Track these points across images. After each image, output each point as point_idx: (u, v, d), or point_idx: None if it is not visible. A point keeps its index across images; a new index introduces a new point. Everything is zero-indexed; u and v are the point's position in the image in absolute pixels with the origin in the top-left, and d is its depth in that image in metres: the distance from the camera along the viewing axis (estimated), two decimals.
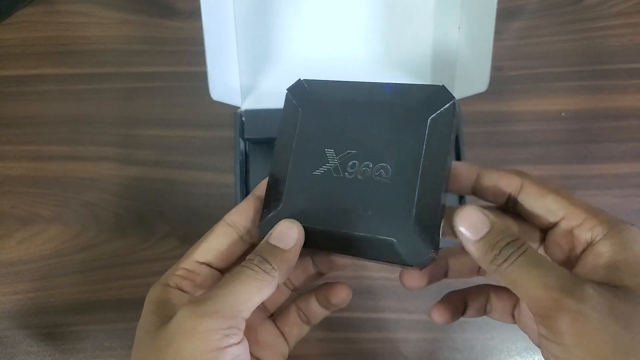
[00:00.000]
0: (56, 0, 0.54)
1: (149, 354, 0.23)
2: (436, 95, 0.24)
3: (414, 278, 0.27)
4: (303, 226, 0.25)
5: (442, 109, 0.24)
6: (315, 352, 0.46)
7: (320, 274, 0.29)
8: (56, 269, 0.48)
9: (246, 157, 0.45)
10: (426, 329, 0.47)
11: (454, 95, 0.24)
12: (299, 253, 0.25)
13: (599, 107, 0.51)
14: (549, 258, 0.23)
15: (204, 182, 0.49)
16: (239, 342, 0.22)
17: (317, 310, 0.29)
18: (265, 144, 0.45)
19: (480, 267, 0.29)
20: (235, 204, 0.42)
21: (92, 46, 0.53)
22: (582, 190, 0.48)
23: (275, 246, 0.24)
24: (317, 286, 0.29)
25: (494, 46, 0.38)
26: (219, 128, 0.50)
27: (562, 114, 0.51)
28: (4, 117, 0.51)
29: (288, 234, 0.24)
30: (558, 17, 0.53)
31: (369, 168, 0.25)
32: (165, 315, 0.23)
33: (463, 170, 0.26)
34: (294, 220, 0.25)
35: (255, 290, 0.23)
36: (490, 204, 0.27)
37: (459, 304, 0.30)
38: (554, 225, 0.24)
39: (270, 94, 0.44)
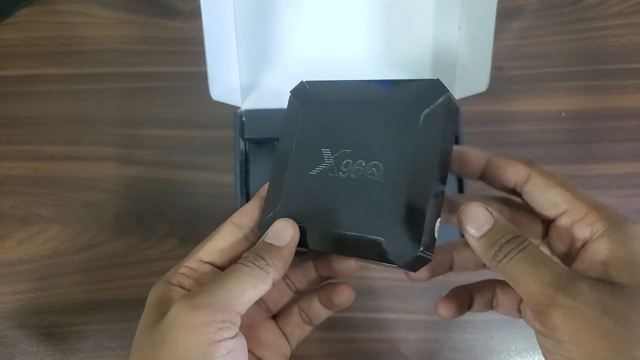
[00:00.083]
0: (56, 0, 0.54)
1: (146, 350, 0.23)
2: (430, 89, 0.24)
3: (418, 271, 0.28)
4: (300, 226, 0.25)
5: (435, 104, 0.23)
6: (316, 352, 0.46)
7: (322, 278, 0.29)
8: (56, 269, 0.48)
9: (246, 157, 0.45)
10: (426, 329, 0.47)
11: (449, 89, 0.24)
12: (294, 250, 0.25)
13: (599, 107, 0.51)
14: (548, 254, 0.23)
15: (204, 182, 0.49)
16: (233, 337, 0.22)
17: (319, 311, 0.29)
18: (265, 144, 0.45)
19: None
20: (236, 204, 0.42)
21: (92, 46, 0.53)
22: None
23: (270, 244, 0.25)
24: (319, 286, 0.29)
25: (494, 46, 0.38)
26: (219, 128, 0.50)
27: (562, 114, 0.51)
28: (4, 117, 0.51)
29: (282, 232, 0.25)
30: (558, 17, 0.53)
31: (362, 167, 0.25)
32: (164, 311, 0.23)
33: (473, 155, 0.26)
34: (289, 219, 0.25)
35: (249, 285, 0.23)
36: (496, 194, 0.28)
37: (465, 298, 0.30)
38: (556, 218, 0.24)
39: (270, 94, 0.44)
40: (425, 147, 0.23)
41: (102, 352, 0.46)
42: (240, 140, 0.43)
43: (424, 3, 0.44)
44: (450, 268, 0.30)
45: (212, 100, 0.40)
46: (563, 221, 0.24)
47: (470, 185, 0.45)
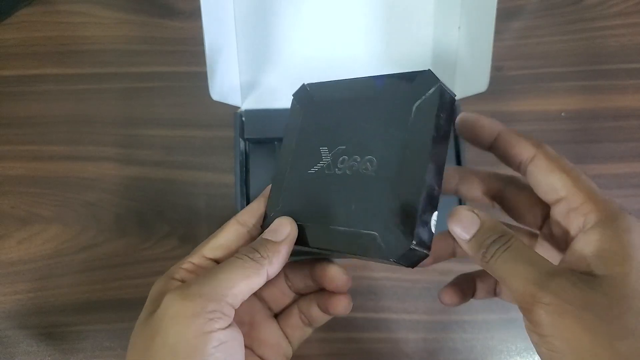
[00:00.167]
0: (56, 0, 0.54)
1: (140, 343, 0.23)
2: (421, 80, 0.24)
3: None
4: (299, 224, 0.26)
5: (426, 95, 0.23)
6: (316, 352, 0.46)
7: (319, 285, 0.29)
8: (56, 269, 0.48)
9: (246, 157, 0.45)
10: (426, 329, 0.47)
11: (440, 79, 0.23)
12: (290, 246, 0.25)
13: (599, 107, 0.51)
14: (533, 250, 0.23)
15: (204, 182, 0.49)
16: (225, 328, 0.22)
17: (318, 314, 0.29)
18: (265, 144, 0.45)
19: None
20: (236, 204, 0.42)
21: (92, 46, 0.53)
22: None
23: (267, 239, 0.25)
24: (318, 290, 0.29)
25: (494, 46, 0.38)
26: (219, 128, 0.50)
27: (562, 114, 0.51)
28: (4, 117, 0.51)
29: (280, 229, 0.25)
30: (558, 17, 0.53)
31: (357, 162, 0.25)
32: (159, 304, 0.23)
33: (486, 124, 0.26)
34: (287, 217, 0.26)
35: (242, 277, 0.23)
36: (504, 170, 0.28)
37: (468, 286, 0.30)
38: (555, 203, 0.24)
39: (270, 94, 0.44)
40: (416, 139, 0.23)
41: (102, 352, 0.46)
42: (240, 140, 0.43)
43: (424, 3, 0.44)
44: (453, 254, 0.30)
45: (212, 100, 0.40)
46: (560, 208, 0.24)
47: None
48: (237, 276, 0.23)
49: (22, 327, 0.47)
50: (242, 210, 0.27)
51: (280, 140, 0.45)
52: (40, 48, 0.53)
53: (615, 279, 0.20)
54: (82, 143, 0.50)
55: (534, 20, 0.53)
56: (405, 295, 0.47)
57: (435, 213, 0.23)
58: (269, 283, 0.29)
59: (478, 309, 0.47)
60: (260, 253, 0.24)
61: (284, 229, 0.25)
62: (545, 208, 0.26)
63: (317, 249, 0.26)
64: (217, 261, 0.26)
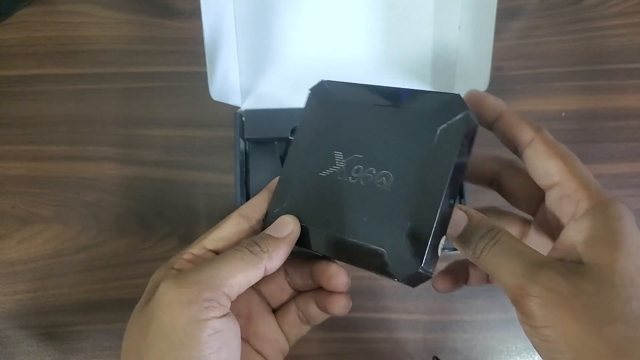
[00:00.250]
0: (56, 0, 0.54)
1: (136, 331, 0.23)
2: (450, 104, 0.24)
3: (440, 282, 0.29)
4: (303, 225, 0.26)
5: (453, 120, 0.23)
6: (316, 352, 0.46)
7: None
8: (56, 269, 0.48)
9: (246, 157, 0.45)
10: (427, 329, 0.47)
11: (468, 107, 0.23)
12: (291, 244, 0.25)
13: (599, 107, 0.51)
14: (521, 242, 0.23)
15: (204, 182, 0.49)
16: (220, 317, 0.22)
17: (316, 312, 0.29)
18: (265, 144, 0.45)
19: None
20: (235, 203, 0.42)
21: (92, 46, 0.53)
22: None
23: (269, 235, 0.25)
24: (317, 288, 0.29)
25: (494, 46, 0.38)
26: (219, 128, 0.50)
27: (562, 114, 0.51)
28: (4, 117, 0.51)
29: (284, 227, 0.25)
30: (558, 17, 0.53)
31: (372, 174, 0.24)
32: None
33: (491, 104, 0.26)
34: (293, 216, 0.26)
35: (239, 268, 0.23)
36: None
37: (461, 272, 0.30)
38: (549, 189, 0.24)
39: (270, 94, 0.44)
40: (438, 163, 0.23)
41: (102, 352, 0.46)
42: (240, 140, 0.43)
43: (424, 3, 0.44)
44: (466, 281, 0.30)
45: (212, 100, 0.40)
46: (554, 193, 0.24)
47: None
48: (235, 267, 0.23)
49: (22, 327, 0.47)
50: (245, 204, 0.27)
51: (280, 140, 0.45)
52: (40, 48, 0.53)
53: (604, 266, 0.20)
54: (82, 143, 0.50)
55: (534, 20, 0.53)
56: (405, 295, 0.47)
57: (444, 237, 0.23)
58: (268, 278, 0.29)
59: (478, 309, 0.47)
60: (260, 247, 0.24)
61: (288, 227, 0.25)
62: (539, 193, 0.26)
63: (320, 254, 0.26)
64: (217, 253, 0.26)
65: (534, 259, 0.21)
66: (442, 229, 0.23)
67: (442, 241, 0.23)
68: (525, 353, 0.46)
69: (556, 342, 0.20)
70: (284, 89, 0.45)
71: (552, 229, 0.26)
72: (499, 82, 0.50)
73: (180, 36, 0.53)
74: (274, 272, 0.29)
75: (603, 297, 0.20)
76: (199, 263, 0.25)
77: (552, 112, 0.51)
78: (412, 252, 0.22)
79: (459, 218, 0.23)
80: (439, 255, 0.23)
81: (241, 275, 0.23)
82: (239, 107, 0.44)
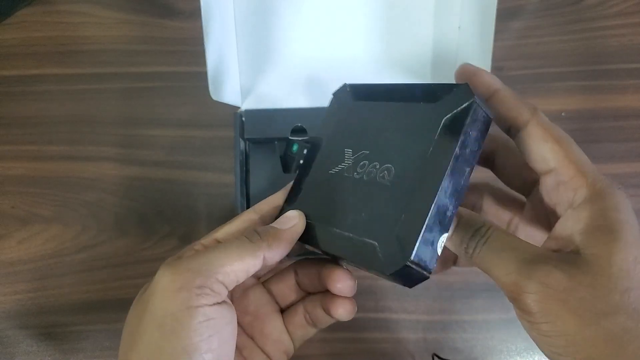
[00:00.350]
0: (56, 1, 0.54)
1: (133, 319, 0.23)
2: (456, 93, 0.23)
3: None
4: (309, 222, 0.26)
5: (458, 109, 0.22)
6: (316, 352, 0.46)
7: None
8: (56, 269, 0.48)
9: (246, 157, 0.45)
10: (427, 329, 0.47)
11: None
12: (293, 237, 0.25)
13: (599, 107, 0.51)
14: (514, 236, 0.22)
15: (204, 182, 0.49)
16: (213, 304, 0.22)
17: (322, 316, 0.28)
18: (266, 144, 0.45)
19: None
20: (236, 203, 0.42)
21: (92, 46, 0.53)
22: None
23: (271, 226, 0.25)
24: (325, 290, 0.29)
25: (494, 46, 0.38)
26: (219, 128, 0.50)
27: (562, 114, 0.51)
28: (4, 117, 0.51)
29: (287, 220, 0.26)
30: (558, 17, 0.53)
31: (375, 169, 0.24)
32: None
33: (485, 80, 0.24)
34: (299, 211, 0.26)
35: (236, 256, 0.23)
36: None
37: (449, 253, 0.29)
38: (545, 174, 0.24)
39: (270, 94, 0.44)
40: (438, 154, 0.22)
41: (102, 352, 0.46)
42: (240, 140, 0.43)
43: (424, 3, 0.44)
44: (454, 262, 0.30)
45: (212, 100, 0.40)
46: (550, 179, 0.23)
47: None
48: (231, 254, 0.23)
49: (22, 327, 0.47)
50: (261, 201, 0.28)
51: (280, 140, 0.45)
52: (40, 48, 0.53)
53: (602, 257, 0.20)
54: (82, 143, 0.50)
55: (534, 20, 0.53)
56: (405, 295, 0.47)
57: (445, 235, 0.22)
58: (277, 278, 0.29)
59: (478, 308, 0.47)
60: (259, 235, 0.24)
61: (291, 220, 0.26)
62: (534, 175, 0.25)
63: (321, 250, 0.26)
64: None
65: (527, 253, 0.21)
66: (442, 225, 0.21)
67: (443, 238, 0.22)
68: (525, 353, 0.46)
69: (555, 336, 0.20)
70: (284, 89, 0.45)
71: (547, 214, 0.25)
72: None
73: (180, 36, 0.53)
74: (283, 272, 0.29)
75: (600, 289, 0.19)
76: (198, 251, 0.24)
77: (552, 112, 0.51)
78: (403, 244, 0.21)
79: None
80: (439, 253, 0.22)
81: (237, 263, 0.23)
82: (239, 107, 0.44)
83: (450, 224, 0.22)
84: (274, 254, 0.24)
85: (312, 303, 0.29)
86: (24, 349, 0.46)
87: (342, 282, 0.26)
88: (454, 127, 0.22)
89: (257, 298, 0.29)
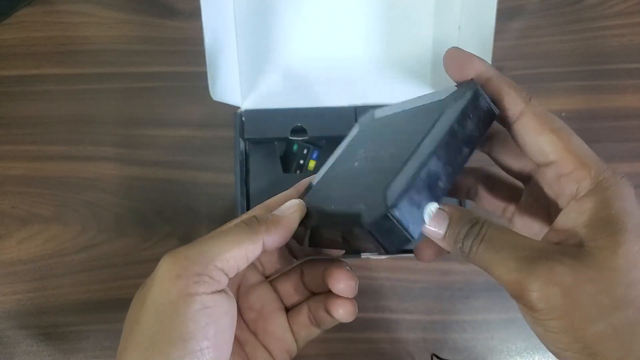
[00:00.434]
0: (56, 0, 0.54)
1: (135, 307, 0.24)
2: (462, 87, 0.23)
3: (423, 251, 0.27)
4: (309, 212, 0.26)
5: (461, 98, 0.22)
6: (316, 352, 0.46)
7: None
8: (56, 269, 0.48)
9: (246, 157, 0.45)
10: (427, 329, 0.47)
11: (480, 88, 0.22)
12: (293, 222, 0.25)
13: (599, 107, 0.51)
14: (511, 231, 0.22)
15: (204, 182, 0.49)
16: (211, 292, 0.22)
17: (325, 316, 0.28)
18: (265, 144, 0.45)
19: None
20: (236, 203, 0.42)
21: (92, 46, 0.53)
22: None
23: (271, 213, 0.25)
24: (329, 290, 0.29)
25: (494, 46, 0.38)
26: (219, 128, 0.50)
27: (562, 114, 0.51)
28: (4, 117, 0.51)
29: (287, 207, 0.26)
30: (558, 17, 0.53)
31: (379, 155, 0.25)
32: None
33: (476, 67, 0.24)
34: (300, 200, 0.26)
35: (234, 242, 0.23)
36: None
37: None
38: (543, 166, 0.23)
39: (270, 94, 0.44)
40: (436, 129, 0.22)
41: (102, 352, 0.46)
42: (240, 140, 0.43)
43: (424, 3, 0.44)
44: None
45: (212, 100, 0.40)
46: (550, 172, 0.23)
47: None
48: (230, 241, 0.23)
49: (22, 327, 0.47)
50: (274, 197, 0.28)
51: (280, 140, 0.45)
52: (40, 48, 0.53)
53: (606, 250, 0.19)
54: (82, 143, 0.50)
55: (534, 20, 0.53)
56: (405, 295, 0.47)
57: (434, 204, 0.21)
58: (284, 276, 0.29)
59: (478, 309, 0.47)
60: (257, 220, 0.24)
61: (290, 208, 0.26)
62: (532, 162, 0.24)
63: (313, 227, 0.26)
64: None
65: (528, 250, 0.20)
66: (432, 192, 0.21)
67: (431, 207, 0.21)
68: (525, 353, 0.46)
69: (561, 332, 0.19)
70: (284, 89, 0.45)
71: (546, 204, 0.24)
72: None
73: (180, 36, 0.53)
74: (290, 272, 0.29)
75: (606, 283, 0.19)
76: (198, 240, 0.24)
77: (552, 112, 0.51)
78: (385, 198, 0.20)
79: (439, 217, 0.22)
80: (425, 221, 0.21)
81: (236, 249, 0.23)
82: (239, 107, 0.44)
83: (442, 196, 0.22)
84: (273, 239, 0.24)
85: (316, 303, 0.29)
86: (23, 349, 0.46)
87: (343, 282, 0.26)
88: (454, 109, 0.22)
89: (263, 295, 0.29)
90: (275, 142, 0.45)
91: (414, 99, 0.27)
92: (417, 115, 0.25)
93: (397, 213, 0.20)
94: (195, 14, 0.53)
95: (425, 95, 0.26)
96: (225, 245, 0.23)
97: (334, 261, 0.28)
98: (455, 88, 0.24)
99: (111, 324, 0.47)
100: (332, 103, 0.43)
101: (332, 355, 0.46)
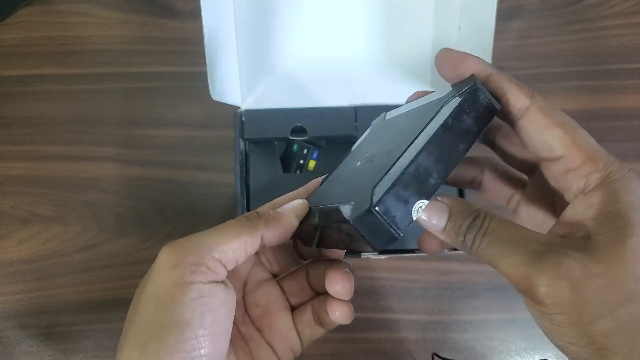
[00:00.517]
0: (56, 0, 0.54)
1: (136, 296, 0.24)
2: (463, 83, 0.23)
3: (428, 242, 0.26)
4: (314, 212, 0.26)
5: (459, 93, 0.22)
6: (316, 352, 0.46)
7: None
8: (56, 269, 0.48)
9: (246, 157, 0.45)
10: (427, 329, 0.47)
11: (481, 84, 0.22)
12: (293, 220, 0.25)
13: (599, 107, 0.51)
14: (514, 224, 0.21)
15: (204, 182, 0.49)
16: (208, 282, 0.23)
17: (328, 317, 0.28)
18: (265, 144, 0.45)
19: None
20: (236, 203, 0.42)
21: (92, 46, 0.53)
22: None
23: (274, 210, 0.26)
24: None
25: (494, 46, 0.38)
26: (219, 128, 0.50)
27: None
28: (5, 117, 0.51)
29: (290, 205, 0.26)
30: (558, 17, 0.53)
31: (379, 154, 0.25)
32: None
33: (472, 65, 0.23)
34: (304, 200, 0.27)
35: (232, 234, 0.24)
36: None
37: None
38: (550, 161, 0.23)
39: (270, 94, 0.44)
40: (431, 125, 0.22)
41: (103, 352, 0.46)
42: (241, 140, 0.43)
43: (424, 3, 0.44)
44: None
45: (212, 100, 0.40)
46: (556, 167, 0.22)
47: None
48: (228, 233, 0.24)
49: (22, 327, 0.47)
50: (280, 197, 0.28)
51: (280, 140, 0.45)
52: (40, 48, 0.53)
53: (615, 243, 0.19)
54: (83, 143, 0.51)
55: (534, 21, 0.53)
56: (405, 295, 0.47)
57: (423, 202, 0.21)
58: (290, 276, 0.29)
59: (478, 308, 0.47)
60: (258, 214, 0.25)
61: (294, 206, 0.26)
62: (533, 161, 0.24)
63: (304, 225, 0.26)
64: None
65: (533, 243, 0.20)
66: (421, 188, 0.21)
67: (420, 204, 0.21)
68: (525, 353, 0.46)
69: (568, 327, 0.19)
70: (284, 89, 0.45)
71: (552, 196, 0.24)
72: None
73: (181, 36, 0.53)
74: (296, 272, 0.29)
75: (614, 277, 0.19)
76: (199, 232, 0.25)
77: None
78: (372, 194, 0.20)
79: (438, 209, 0.22)
80: (413, 217, 0.21)
81: (235, 242, 0.23)
82: (239, 107, 0.44)
83: (432, 194, 0.21)
84: (272, 233, 0.25)
85: (319, 303, 0.29)
86: (23, 349, 0.46)
87: (340, 284, 0.26)
88: (450, 104, 0.22)
89: (269, 293, 0.29)
90: (275, 142, 0.45)
91: (423, 97, 0.27)
92: (418, 114, 0.25)
93: (381, 209, 0.20)
94: (195, 14, 0.53)
95: (433, 93, 0.26)
96: (223, 238, 0.23)
97: (334, 262, 0.28)
98: (459, 85, 0.24)
99: (111, 323, 0.47)
100: (332, 103, 0.43)
101: (333, 355, 0.46)
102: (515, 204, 0.27)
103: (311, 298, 0.29)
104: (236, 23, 0.42)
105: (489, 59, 0.39)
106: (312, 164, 0.46)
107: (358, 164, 0.26)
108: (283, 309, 0.29)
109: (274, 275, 0.30)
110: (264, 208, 0.27)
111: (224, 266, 0.23)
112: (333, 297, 0.27)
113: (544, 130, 0.22)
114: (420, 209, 0.21)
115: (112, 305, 0.47)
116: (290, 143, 0.46)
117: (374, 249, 0.21)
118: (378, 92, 0.44)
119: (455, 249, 0.40)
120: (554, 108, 0.22)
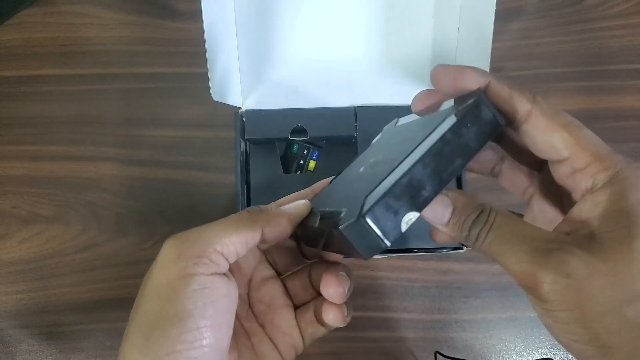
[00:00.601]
0: (57, 1, 0.54)
1: (141, 288, 0.24)
2: (468, 95, 0.23)
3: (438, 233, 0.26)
4: (315, 212, 0.26)
5: (462, 106, 0.22)
6: (316, 351, 0.46)
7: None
8: (57, 269, 0.48)
9: (247, 157, 0.45)
10: (426, 329, 0.47)
11: (487, 100, 0.22)
12: (295, 218, 0.26)
13: (599, 108, 0.51)
14: (520, 221, 0.21)
15: (205, 182, 0.50)
16: (211, 274, 0.23)
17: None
18: (266, 145, 0.45)
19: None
20: (236, 204, 0.42)
21: (93, 47, 0.53)
22: None
23: (277, 207, 0.26)
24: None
25: (494, 47, 0.39)
26: (219, 128, 0.50)
27: None
28: (6, 118, 0.51)
29: (294, 204, 0.26)
30: (558, 17, 0.53)
31: (381, 161, 0.25)
32: None
33: (471, 76, 0.23)
34: (307, 200, 0.27)
35: (234, 228, 0.24)
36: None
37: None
38: (556, 163, 0.23)
39: (270, 95, 0.45)
40: (430, 137, 0.22)
41: (103, 351, 0.46)
42: (241, 140, 0.43)
43: (423, 4, 0.44)
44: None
45: (213, 100, 0.40)
46: (564, 168, 0.22)
47: None
48: (230, 226, 0.24)
49: (23, 327, 0.47)
50: (286, 196, 0.29)
51: (280, 140, 0.45)
52: (41, 49, 0.53)
53: (621, 242, 0.19)
54: (83, 143, 0.51)
55: (534, 21, 0.53)
56: (405, 295, 0.47)
57: (414, 213, 0.21)
58: (294, 275, 0.29)
59: (477, 308, 0.47)
60: (260, 209, 0.25)
61: (296, 205, 0.26)
62: (539, 162, 0.24)
63: (306, 226, 0.26)
64: None
65: (539, 240, 0.20)
66: (413, 200, 0.20)
67: (410, 216, 0.20)
68: (524, 352, 0.46)
69: (573, 324, 0.19)
70: (285, 90, 0.45)
71: (559, 194, 0.24)
72: None
73: (181, 37, 0.53)
74: (299, 271, 0.29)
75: (620, 276, 0.19)
76: (202, 225, 0.25)
77: None
78: (363, 203, 0.20)
79: (442, 203, 0.22)
80: (402, 229, 0.21)
81: (236, 235, 0.24)
82: (239, 108, 0.44)
83: (424, 207, 0.21)
84: (273, 229, 0.25)
85: (320, 303, 0.29)
86: (25, 348, 0.47)
87: (332, 287, 0.26)
88: (452, 117, 0.22)
89: (273, 290, 0.29)
90: (276, 143, 0.45)
91: (444, 103, 0.27)
92: (423, 124, 0.25)
93: (369, 218, 0.20)
94: (196, 15, 0.53)
95: (449, 101, 0.26)
96: (225, 231, 0.24)
97: (332, 265, 0.28)
98: (466, 97, 0.24)
99: (112, 323, 0.47)
100: (332, 103, 0.43)
101: (333, 354, 0.46)
102: (529, 195, 0.27)
103: (313, 298, 0.30)
104: (236, 24, 0.42)
105: (488, 60, 0.39)
106: (312, 164, 0.46)
107: (362, 169, 0.26)
108: (286, 307, 0.29)
109: (279, 274, 0.30)
110: (269, 205, 0.27)
111: (226, 259, 0.24)
112: (327, 300, 0.27)
113: (547, 133, 0.22)
114: (411, 221, 0.21)
115: (113, 304, 0.47)
116: (290, 143, 0.46)
117: (361, 257, 0.21)
118: (378, 92, 0.44)
119: (455, 249, 0.40)
120: (557, 109, 0.22)
